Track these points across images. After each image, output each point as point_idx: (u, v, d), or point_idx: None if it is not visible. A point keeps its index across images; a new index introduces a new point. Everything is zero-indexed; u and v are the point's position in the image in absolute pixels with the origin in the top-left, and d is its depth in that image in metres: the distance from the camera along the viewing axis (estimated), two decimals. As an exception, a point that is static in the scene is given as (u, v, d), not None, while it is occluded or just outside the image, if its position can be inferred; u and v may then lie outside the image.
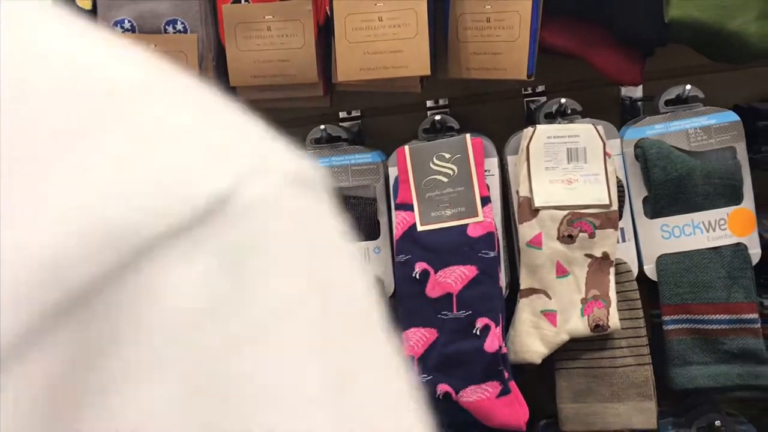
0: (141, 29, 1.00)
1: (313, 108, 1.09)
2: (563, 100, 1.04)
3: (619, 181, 1.03)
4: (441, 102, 1.13)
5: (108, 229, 0.22)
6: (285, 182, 0.25)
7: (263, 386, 0.23)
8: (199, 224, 0.23)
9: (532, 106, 1.12)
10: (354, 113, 1.15)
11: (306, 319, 0.24)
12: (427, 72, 0.97)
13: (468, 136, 1.03)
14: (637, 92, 1.12)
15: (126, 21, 1.00)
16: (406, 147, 1.04)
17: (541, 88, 1.12)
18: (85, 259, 0.22)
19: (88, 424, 0.22)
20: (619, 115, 1.13)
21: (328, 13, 0.99)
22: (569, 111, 1.04)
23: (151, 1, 0.99)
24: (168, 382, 0.22)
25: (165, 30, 1.00)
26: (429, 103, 1.13)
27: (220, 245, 0.23)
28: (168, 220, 0.23)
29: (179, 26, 1.00)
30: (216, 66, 1.03)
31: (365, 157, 1.06)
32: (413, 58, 0.97)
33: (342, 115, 1.14)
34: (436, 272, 1.01)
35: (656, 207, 1.03)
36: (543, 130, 1.02)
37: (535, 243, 1.00)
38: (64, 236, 0.22)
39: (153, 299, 0.22)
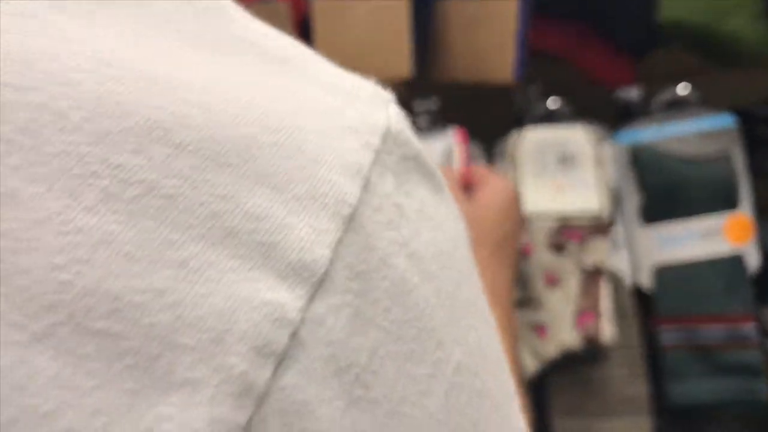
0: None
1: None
2: (552, 104, 1.00)
3: (610, 188, 0.98)
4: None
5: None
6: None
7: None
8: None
9: (525, 108, 1.08)
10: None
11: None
12: (409, 74, 0.94)
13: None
14: (633, 94, 1.07)
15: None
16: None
17: (534, 89, 1.07)
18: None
19: None
20: (615, 117, 1.08)
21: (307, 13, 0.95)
22: (559, 114, 1.00)
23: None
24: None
25: None
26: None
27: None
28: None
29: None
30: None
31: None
32: (395, 61, 0.93)
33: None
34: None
35: (650, 214, 0.99)
36: (530, 134, 0.97)
37: (523, 252, 0.96)
38: None
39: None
